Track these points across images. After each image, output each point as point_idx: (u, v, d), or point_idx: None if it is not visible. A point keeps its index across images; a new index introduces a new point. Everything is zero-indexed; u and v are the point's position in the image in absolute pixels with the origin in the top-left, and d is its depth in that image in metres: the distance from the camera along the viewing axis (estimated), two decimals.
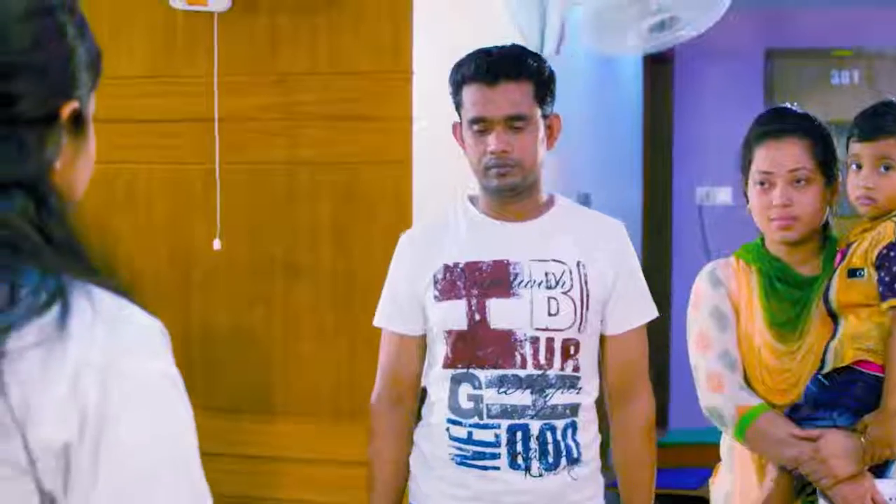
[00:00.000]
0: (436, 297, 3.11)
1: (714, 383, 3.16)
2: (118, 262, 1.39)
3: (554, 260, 3.09)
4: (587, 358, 3.11)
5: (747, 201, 3.24)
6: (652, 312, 3.23)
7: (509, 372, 3.04)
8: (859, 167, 3.09)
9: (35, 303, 1.23)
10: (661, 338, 7.15)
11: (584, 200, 5.94)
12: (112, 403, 1.24)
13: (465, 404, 3.07)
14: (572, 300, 3.07)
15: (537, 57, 3.15)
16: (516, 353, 3.04)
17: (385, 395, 3.24)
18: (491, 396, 3.04)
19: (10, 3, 1.33)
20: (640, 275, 3.21)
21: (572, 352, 3.08)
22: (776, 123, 3.20)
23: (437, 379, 3.14)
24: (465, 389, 3.07)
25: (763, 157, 3.15)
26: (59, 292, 1.25)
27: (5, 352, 1.21)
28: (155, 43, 4.29)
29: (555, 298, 3.06)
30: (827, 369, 3.01)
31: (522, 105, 3.04)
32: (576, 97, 5.97)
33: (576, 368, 3.08)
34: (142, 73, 4.30)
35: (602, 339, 3.17)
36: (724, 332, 3.18)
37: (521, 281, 3.06)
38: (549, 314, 3.05)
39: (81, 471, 1.23)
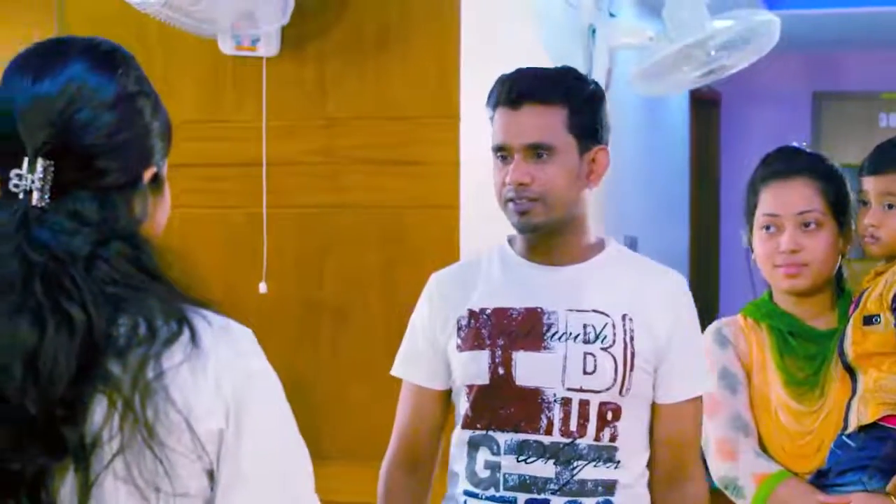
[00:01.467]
0: (458, 346, 2.71)
1: (725, 450, 2.85)
2: (198, 284, 1.74)
3: (595, 311, 2.65)
4: (631, 428, 2.65)
5: (752, 250, 3.00)
6: (708, 385, 2.78)
7: (531, 437, 2.60)
8: (865, 203, 2.90)
9: (170, 331, 1.60)
10: None
11: (632, 244, 5.92)
12: (244, 394, 1.65)
13: (482, 473, 2.66)
14: (613, 358, 2.62)
15: (581, 80, 2.74)
16: (542, 416, 2.60)
17: (400, 457, 2.87)
18: (509, 465, 2.62)
19: (98, 94, 1.64)
20: (700, 340, 2.81)
21: (610, 418, 2.62)
22: (783, 163, 2.95)
23: (456, 442, 2.74)
24: (483, 455, 2.66)
25: (769, 200, 2.92)
26: (184, 319, 1.62)
27: (165, 371, 1.58)
28: (204, 87, 4.33)
29: (592, 354, 2.61)
30: (851, 429, 2.75)
31: (548, 132, 2.63)
32: (623, 139, 5.97)
33: (613, 438, 2.62)
34: (191, 118, 4.33)
35: (652, 408, 2.72)
36: (735, 395, 2.90)
37: (556, 333, 2.64)
38: (585, 372, 2.61)
39: (229, 445, 1.63)
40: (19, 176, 1.60)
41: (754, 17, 4.77)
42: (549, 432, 2.60)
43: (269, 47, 4.11)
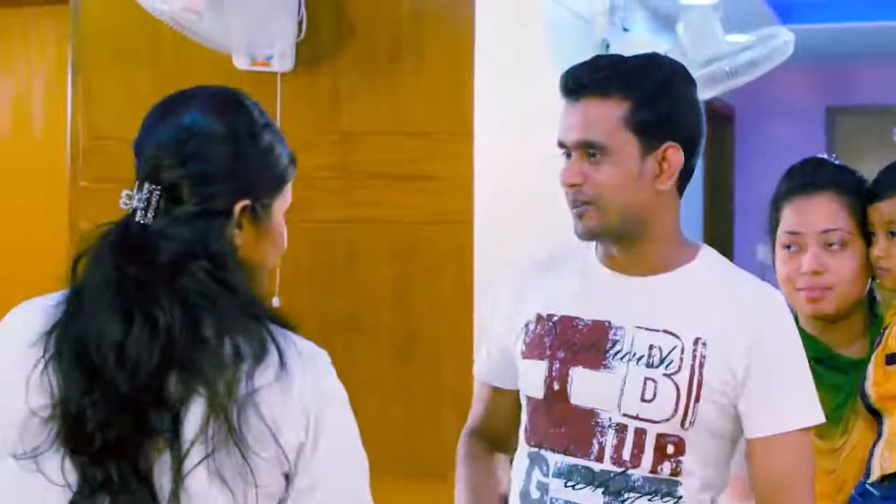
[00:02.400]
0: (522, 352, 2.49)
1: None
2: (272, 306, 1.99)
3: (665, 331, 2.36)
4: (702, 463, 2.36)
5: (775, 269, 2.76)
6: (811, 418, 2.38)
7: (580, 462, 2.37)
8: (873, 233, 2.67)
9: (257, 352, 1.83)
10: None
11: None
12: (323, 409, 1.90)
13: (534, 493, 2.44)
14: (675, 386, 2.33)
15: (654, 67, 2.42)
16: (594, 441, 2.37)
17: (472, 431, 2.69)
18: (556, 489, 2.40)
19: (214, 130, 1.94)
20: (800, 365, 2.40)
21: (672, 452, 2.34)
22: (807, 177, 2.70)
23: (518, 456, 2.52)
24: (536, 475, 2.44)
25: (790, 216, 2.67)
26: (269, 339, 1.86)
27: (257, 389, 1.82)
28: None
29: (653, 380, 2.34)
30: (874, 477, 2.49)
31: (599, 129, 2.35)
32: None
33: (676, 473, 2.34)
34: None
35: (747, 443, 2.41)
36: None
37: (619, 351, 2.38)
38: (643, 399, 2.34)
39: (307, 456, 1.87)
40: (129, 196, 1.92)
41: (769, 33, 4.78)
42: (599, 459, 2.36)
43: (283, 63, 4.12)
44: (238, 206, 1.93)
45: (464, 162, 4.04)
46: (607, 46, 4.74)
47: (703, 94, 4.78)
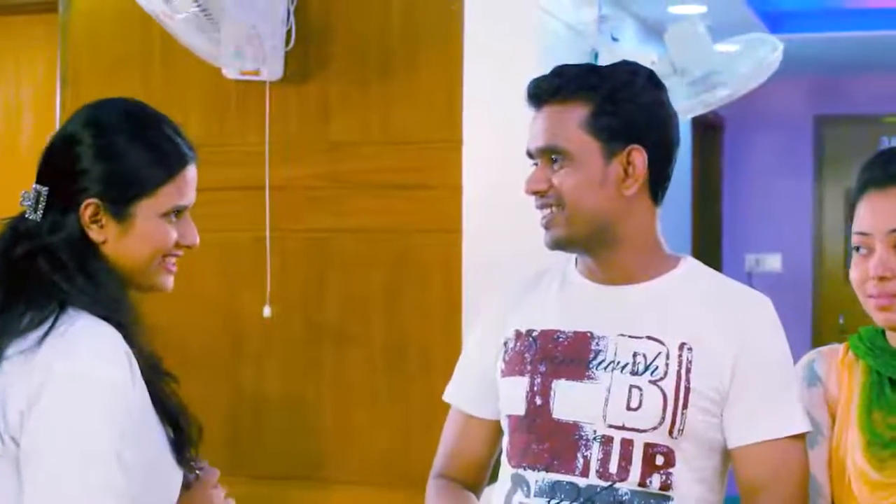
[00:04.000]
0: (502, 370, 2.41)
1: None
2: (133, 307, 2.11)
3: (649, 337, 2.30)
4: (692, 477, 2.28)
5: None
6: (795, 425, 2.30)
7: (565, 478, 2.27)
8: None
9: (27, 326, 1.99)
10: None
11: None
12: (47, 384, 1.94)
13: None
14: (662, 393, 2.26)
15: (616, 71, 2.38)
16: (578, 455, 2.27)
17: (443, 472, 2.55)
18: None
19: (77, 136, 2.12)
20: (788, 373, 2.34)
21: (660, 462, 2.25)
22: (880, 169, 2.34)
23: (501, 480, 2.42)
24: (516, 497, 2.33)
25: (861, 214, 2.32)
26: (51, 319, 1.99)
27: (8, 357, 1.98)
28: (208, 112, 4.34)
29: (639, 388, 2.26)
30: None
31: (560, 134, 2.32)
32: None
33: (666, 487, 2.25)
34: (194, 142, 4.32)
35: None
36: (812, 449, 2.34)
37: (603, 361, 2.30)
38: (629, 408, 2.26)
39: (27, 425, 1.94)
40: (23, 196, 2.14)
41: (757, 40, 4.79)
42: (584, 474, 2.26)
43: (272, 72, 4.12)
44: (84, 205, 2.09)
45: (453, 171, 4.05)
46: (596, 56, 4.75)
47: (696, 112, 4.80)
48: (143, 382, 2.04)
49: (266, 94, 4.20)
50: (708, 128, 8.08)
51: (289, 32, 4.13)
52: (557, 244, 2.36)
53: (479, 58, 4.07)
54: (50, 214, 2.10)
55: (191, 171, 2.31)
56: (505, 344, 2.42)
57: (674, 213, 7.85)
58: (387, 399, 4.16)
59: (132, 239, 2.13)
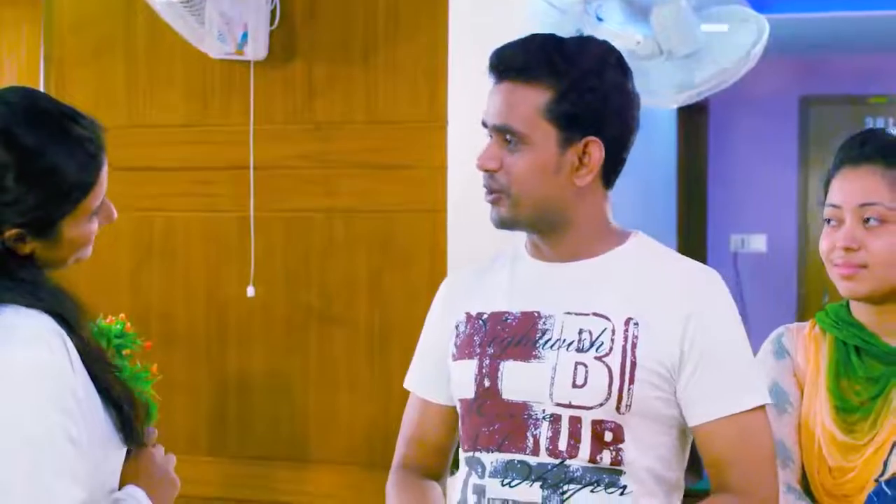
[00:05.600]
0: (453, 354, 2.40)
1: None
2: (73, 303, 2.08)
3: (595, 314, 2.27)
4: (644, 453, 2.26)
5: None
6: (753, 397, 2.27)
7: (516, 457, 2.27)
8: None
9: None
10: None
11: None
12: None
13: (471, 499, 2.32)
14: (608, 369, 2.23)
15: (583, 54, 2.29)
16: (528, 434, 2.26)
17: (405, 461, 2.53)
18: (494, 489, 2.28)
19: None
20: (741, 346, 2.30)
21: (608, 439, 2.24)
22: (855, 148, 2.48)
23: (460, 465, 2.41)
24: (472, 479, 2.33)
25: (833, 189, 2.46)
26: None
27: None
28: (192, 92, 4.33)
29: (584, 364, 2.24)
30: (888, 474, 2.36)
31: (518, 115, 2.26)
32: None
33: (617, 462, 2.24)
34: (178, 122, 4.33)
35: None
36: (781, 417, 2.46)
37: (549, 340, 2.28)
38: (574, 385, 2.24)
39: None
40: None
41: (742, 17, 4.79)
42: (535, 452, 2.25)
43: (256, 51, 4.11)
44: (7, 232, 2.05)
45: (437, 151, 4.05)
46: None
47: (685, 102, 4.80)
48: (84, 370, 2.03)
49: (250, 74, 4.19)
50: (691, 109, 8.07)
51: (273, 12, 4.13)
52: (503, 224, 2.32)
53: (463, 38, 4.07)
54: None
55: (106, 163, 2.14)
56: (456, 328, 2.40)
57: (659, 194, 7.86)
58: (370, 379, 4.17)
59: (59, 248, 2.12)
